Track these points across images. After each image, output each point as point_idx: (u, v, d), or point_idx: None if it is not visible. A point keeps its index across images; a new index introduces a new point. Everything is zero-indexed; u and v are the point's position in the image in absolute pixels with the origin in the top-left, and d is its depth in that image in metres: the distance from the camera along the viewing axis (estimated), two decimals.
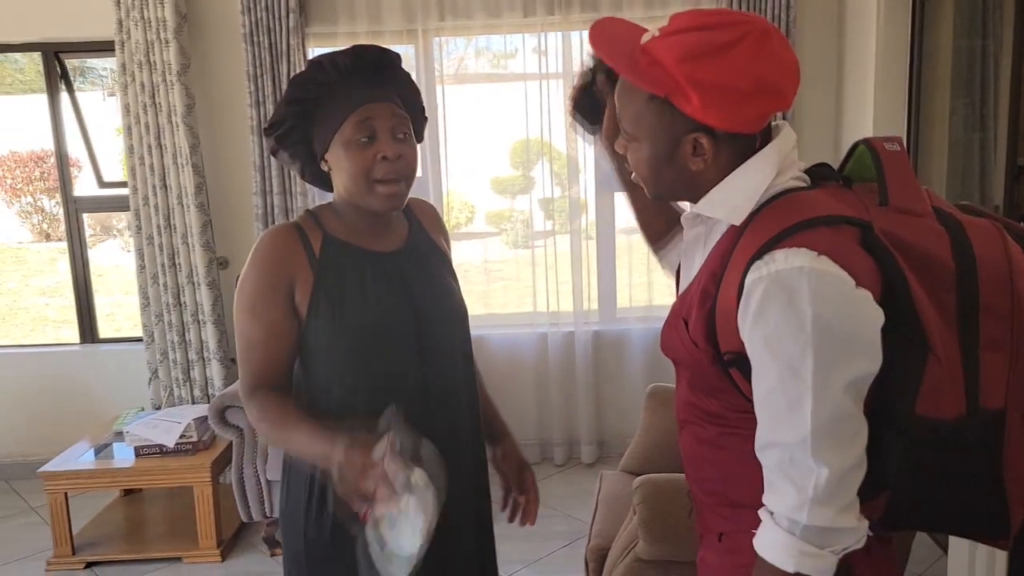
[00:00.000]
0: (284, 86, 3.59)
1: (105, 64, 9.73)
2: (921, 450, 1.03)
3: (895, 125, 3.27)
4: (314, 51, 3.76)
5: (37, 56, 3.89)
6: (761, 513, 1.05)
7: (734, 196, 1.09)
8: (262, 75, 3.61)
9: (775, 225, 1.03)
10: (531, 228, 4.09)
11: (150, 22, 3.54)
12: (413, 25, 3.71)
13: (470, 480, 1.55)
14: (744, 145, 1.09)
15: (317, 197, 3.75)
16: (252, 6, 3.56)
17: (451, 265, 1.60)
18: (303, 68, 1.43)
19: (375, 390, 1.40)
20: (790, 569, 1.01)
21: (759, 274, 1.00)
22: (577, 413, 3.97)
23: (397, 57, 1.46)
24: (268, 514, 3.20)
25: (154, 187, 3.69)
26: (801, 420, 0.98)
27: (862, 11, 3.40)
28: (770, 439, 1.03)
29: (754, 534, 1.14)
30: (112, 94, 10.83)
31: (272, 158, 3.59)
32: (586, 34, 3.91)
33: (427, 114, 1.56)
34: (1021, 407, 1.06)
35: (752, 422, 1.09)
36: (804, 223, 1.01)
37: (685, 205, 1.21)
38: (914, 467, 1.04)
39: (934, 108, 3.22)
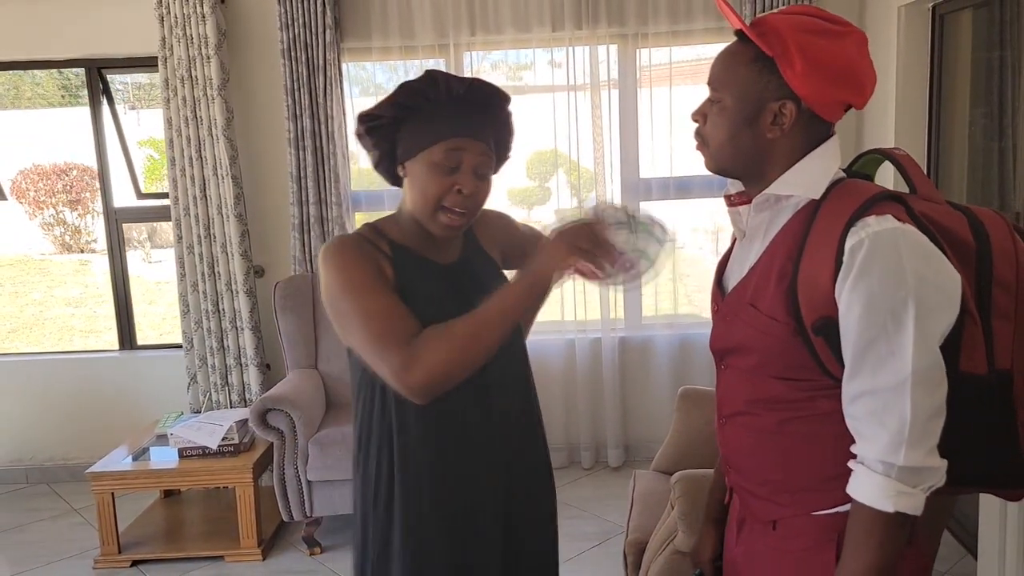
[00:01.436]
0: (320, 99, 3.71)
1: (124, 79, 9.89)
2: (964, 406, 1.14)
3: (915, 135, 3.36)
4: (349, 66, 3.89)
5: (55, 72, 4.01)
6: (852, 464, 1.15)
7: (808, 176, 1.21)
8: (299, 89, 3.72)
9: (854, 199, 1.15)
10: None
11: (192, 39, 3.67)
12: (445, 40, 3.82)
13: (545, 477, 1.64)
14: (815, 133, 1.22)
15: (352, 208, 3.86)
16: (290, 23, 3.68)
17: (504, 277, 1.64)
18: (416, 77, 1.47)
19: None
20: (890, 509, 1.10)
21: (859, 237, 1.11)
22: (604, 417, 4.06)
23: (507, 99, 1.52)
24: (308, 514, 3.30)
25: (194, 198, 3.81)
26: (902, 365, 1.09)
27: (882, 24, 3.49)
28: (864, 388, 1.12)
29: (815, 516, 1.23)
30: (133, 107, 11.04)
31: (305, 169, 3.74)
32: (612, 48, 3.96)
33: None
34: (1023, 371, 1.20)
35: (818, 402, 1.20)
36: (875, 197, 1.15)
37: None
38: (958, 421, 1.14)
39: (954, 119, 3.29)
